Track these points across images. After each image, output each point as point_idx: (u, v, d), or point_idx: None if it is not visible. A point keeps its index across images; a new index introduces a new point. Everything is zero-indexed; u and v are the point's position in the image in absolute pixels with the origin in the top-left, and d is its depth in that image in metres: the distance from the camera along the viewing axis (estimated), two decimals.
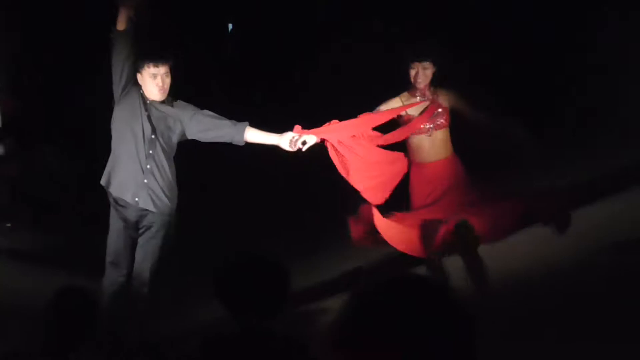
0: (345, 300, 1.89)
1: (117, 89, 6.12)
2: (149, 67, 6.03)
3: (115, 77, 6.09)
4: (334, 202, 7.45)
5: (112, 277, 6.17)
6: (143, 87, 6.13)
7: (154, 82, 6.05)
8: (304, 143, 6.08)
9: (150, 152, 6.12)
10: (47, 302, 3.87)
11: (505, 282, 6.57)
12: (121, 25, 5.99)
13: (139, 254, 6.12)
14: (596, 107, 10.85)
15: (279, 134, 6.15)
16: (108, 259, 6.19)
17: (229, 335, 3.52)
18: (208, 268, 3.76)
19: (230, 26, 13.55)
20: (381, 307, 1.83)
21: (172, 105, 6.22)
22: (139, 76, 6.09)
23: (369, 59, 10.35)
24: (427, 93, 6.59)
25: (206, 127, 6.21)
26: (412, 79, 6.53)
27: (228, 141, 6.24)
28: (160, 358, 5.96)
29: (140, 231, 6.16)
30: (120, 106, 6.16)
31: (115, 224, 6.22)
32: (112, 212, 6.23)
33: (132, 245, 6.18)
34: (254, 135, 6.18)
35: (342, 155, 6.22)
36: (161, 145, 6.15)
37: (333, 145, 6.21)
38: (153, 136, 6.13)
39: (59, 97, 11.13)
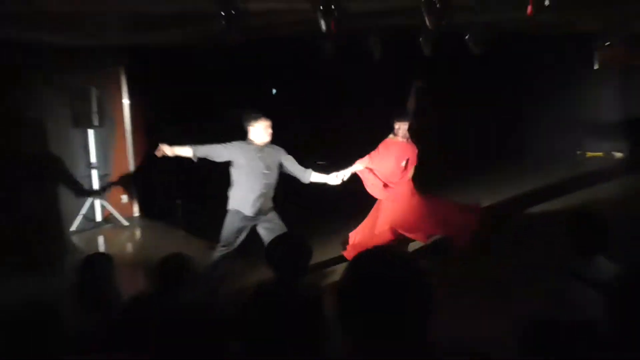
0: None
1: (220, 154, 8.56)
2: (264, 121, 8.46)
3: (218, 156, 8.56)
4: None
5: (222, 253, 8.52)
6: (254, 136, 8.47)
7: (266, 131, 8.46)
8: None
9: (264, 181, 8.49)
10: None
11: None
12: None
13: (265, 235, 8.50)
14: None
15: (326, 175, 9.07)
16: (221, 243, 8.51)
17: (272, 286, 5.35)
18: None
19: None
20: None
21: (271, 148, 8.60)
22: (251, 128, 8.49)
23: None
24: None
25: (292, 166, 8.75)
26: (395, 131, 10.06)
27: (299, 178, 8.88)
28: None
29: (257, 224, 8.62)
30: (233, 152, 8.50)
31: (230, 224, 8.52)
32: (229, 217, 8.55)
33: (237, 235, 8.49)
34: (314, 177, 8.92)
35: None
36: (269, 175, 8.56)
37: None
38: (266, 171, 8.48)
39: None
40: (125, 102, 14.12)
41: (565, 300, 4.64)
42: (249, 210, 8.46)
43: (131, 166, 14.23)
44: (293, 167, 8.73)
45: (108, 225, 13.50)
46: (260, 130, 8.45)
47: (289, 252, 5.28)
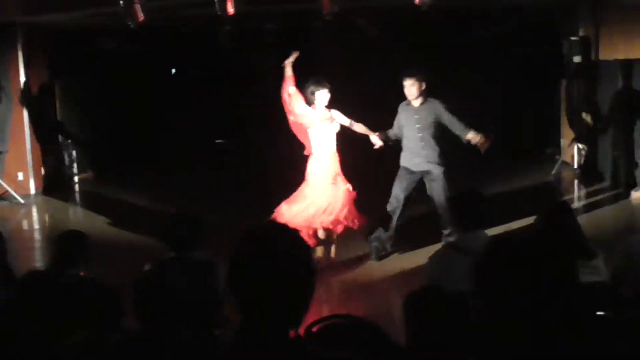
0: None
1: None
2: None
3: None
4: None
5: (391, 207, 8.89)
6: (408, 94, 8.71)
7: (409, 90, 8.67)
8: None
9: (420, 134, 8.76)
10: None
11: None
12: None
13: (435, 190, 8.81)
14: None
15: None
16: (392, 199, 8.89)
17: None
18: None
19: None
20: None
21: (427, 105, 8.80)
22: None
23: None
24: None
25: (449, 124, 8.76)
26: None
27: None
28: None
29: (425, 179, 8.89)
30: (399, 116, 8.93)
31: (398, 178, 8.92)
32: (400, 173, 8.93)
33: (404, 190, 8.85)
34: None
35: None
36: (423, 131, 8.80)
37: None
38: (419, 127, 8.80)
39: None
40: (22, 78, 13.86)
41: (448, 272, 4.83)
42: (411, 165, 8.89)
43: (28, 143, 13.96)
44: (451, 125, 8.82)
45: (4, 203, 13.27)
46: None
47: (182, 227, 5.35)
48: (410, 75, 8.66)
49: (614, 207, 11.37)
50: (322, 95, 8.50)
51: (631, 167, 11.91)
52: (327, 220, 8.58)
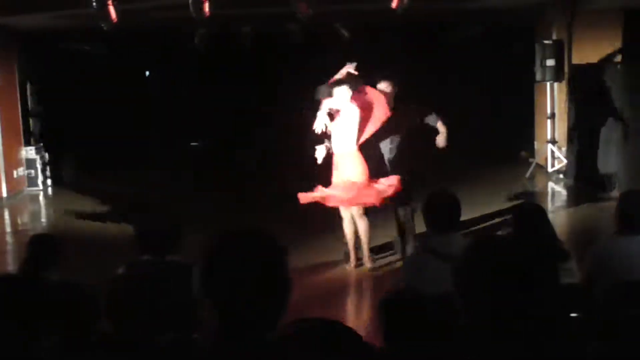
0: None
1: None
2: None
3: None
4: None
5: None
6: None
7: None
8: None
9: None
10: None
11: None
12: None
13: None
14: None
15: None
16: None
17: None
18: None
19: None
20: None
21: None
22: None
23: None
24: None
25: None
26: None
27: None
28: None
29: None
30: None
31: None
32: None
33: None
34: None
35: None
36: None
37: None
38: None
39: None
40: None
41: (422, 274, 4.84)
42: None
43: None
44: None
45: None
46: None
47: (156, 229, 5.31)
48: (385, 79, 8.63)
49: (587, 209, 11.45)
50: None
51: (597, 169, 12.03)
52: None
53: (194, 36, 13.47)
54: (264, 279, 2.40)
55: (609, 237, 5.40)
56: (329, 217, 9.01)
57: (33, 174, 14.72)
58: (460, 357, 2.74)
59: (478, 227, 9.31)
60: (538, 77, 13.50)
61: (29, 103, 14.99)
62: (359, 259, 8.78)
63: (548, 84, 13.88)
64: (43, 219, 13.06)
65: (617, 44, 12.30)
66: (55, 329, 4.09)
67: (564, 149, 13.67)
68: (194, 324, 4.68)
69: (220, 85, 16.12)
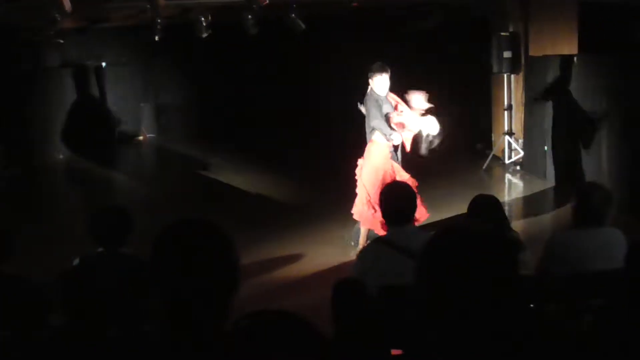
0: None
1: None
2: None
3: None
4: None
5: None
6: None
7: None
8: None
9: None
10: None
11: None
12: None
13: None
14: None
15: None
16: None
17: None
18: None
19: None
20: None
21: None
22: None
23: None
24: None
25: None
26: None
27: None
28: None
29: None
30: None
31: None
32: None
33: None
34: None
35: None
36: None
37: None
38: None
39: None
40: None
41: (376, 265, 4.85)
42: None
43: None
44: None
45: None
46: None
47: (109, 222, 5.26)
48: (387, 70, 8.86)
49: (543, 201, 11.55)
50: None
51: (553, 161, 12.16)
52: None
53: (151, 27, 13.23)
54: (210, 270, 2.40)
55: (566, 229, 5.45)
56: None
57: None
58: (409, 346, 2.74)
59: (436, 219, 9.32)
60: (495, 69, 13.55)
61: None
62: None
63: (505, 75, 13.90)
64: None
65: (573, 36, 12.37)
66: (5, 324, 4.08)
67: (520, 140, 13.75)
68: (145, 316, 4.66)
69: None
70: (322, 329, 3.16)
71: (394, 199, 5.10)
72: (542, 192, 11.96)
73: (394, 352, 3.71)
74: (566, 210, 8.34)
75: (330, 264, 8.71)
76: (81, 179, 15.07)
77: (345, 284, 3.81)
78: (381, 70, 8.84)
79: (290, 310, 2.90)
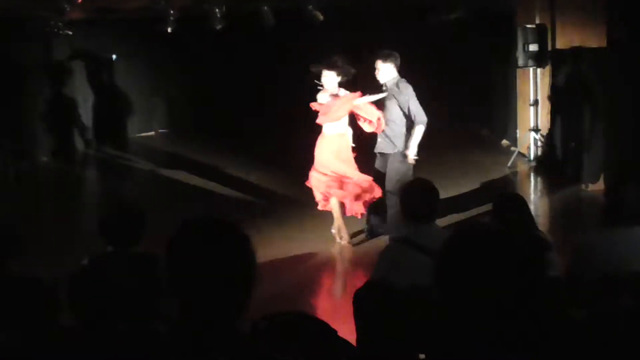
0: None
1: None
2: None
3: None
4: None
5: None
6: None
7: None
8: None
9: None
10: None
11: None
12: None
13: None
14: None
15: None
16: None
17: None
18: None
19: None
20: None
21: None
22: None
23: None
24: None
25: None
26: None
27: None
28: None
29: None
30: None
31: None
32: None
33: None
34: None
35: None
36: None
37: None
38: None
39: None
40: None
41: (398, 266, 4.72)
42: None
43: None
44: None
45: None
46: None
47: (121, 221, 5.12)
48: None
49: (569, 200, 11.31)
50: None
51: (582, 159, 11.89)
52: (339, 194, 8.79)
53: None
54: (227, 267, 2.34)
55: (595, 228, 5.31)
56: None
57: None
58: (434, 352, 2.67)
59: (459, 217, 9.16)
60: (520, 62, 13.30)
61: None
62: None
63: (531, 69, 13.63)
64: None
65: (602, 27, 12.14)
66: (15, 324, 3.96)
67: (546, 137, 13.49)
68: (157, 314, 4.55)
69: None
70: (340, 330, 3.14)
71: (414, 196, 4.97)
72: (570, 191, 11.68)
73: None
74: (596, 208, 8.25)
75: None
76: (94, 174, 15.05)
77: (366, 290, 3.64)
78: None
79: (308, 312, 2.81)
